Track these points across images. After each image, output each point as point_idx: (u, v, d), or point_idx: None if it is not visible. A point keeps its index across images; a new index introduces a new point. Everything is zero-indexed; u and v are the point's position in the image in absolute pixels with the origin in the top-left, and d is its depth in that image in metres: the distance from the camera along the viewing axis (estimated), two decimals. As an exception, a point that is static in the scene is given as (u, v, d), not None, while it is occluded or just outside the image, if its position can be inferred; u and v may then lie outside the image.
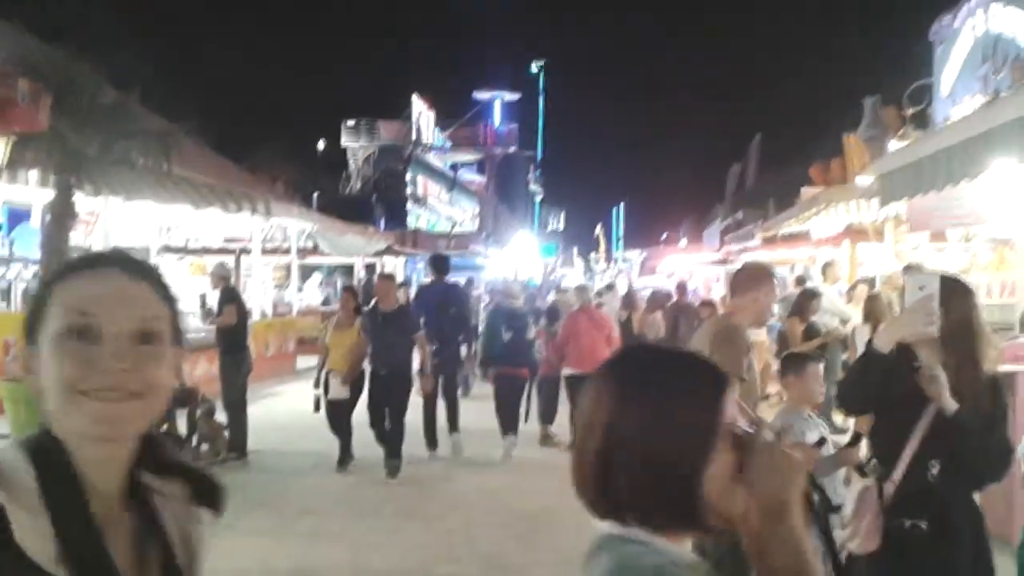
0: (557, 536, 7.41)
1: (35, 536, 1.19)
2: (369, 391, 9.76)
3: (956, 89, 15.05)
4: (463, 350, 12.69)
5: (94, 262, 1.34)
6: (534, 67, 68.92)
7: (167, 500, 1.37)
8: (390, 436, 9.60)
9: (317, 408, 9.98)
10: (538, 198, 71.65)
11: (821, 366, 4.76)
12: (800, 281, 17.01)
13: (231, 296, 10.29)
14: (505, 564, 6.75)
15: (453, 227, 47.83)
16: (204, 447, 10.11)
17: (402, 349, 9.73)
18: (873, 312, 10.41)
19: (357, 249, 21.51)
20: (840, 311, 12.50)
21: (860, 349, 10.02)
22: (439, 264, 11.62)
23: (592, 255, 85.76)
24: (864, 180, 15.81)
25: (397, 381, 9.58)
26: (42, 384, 1.27)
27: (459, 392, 11.57)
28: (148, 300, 1.32)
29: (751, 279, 4.55)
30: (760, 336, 16.71)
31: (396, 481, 9.42)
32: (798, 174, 25.49)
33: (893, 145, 10.23)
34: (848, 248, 16.27)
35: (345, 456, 9.78)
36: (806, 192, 18.50)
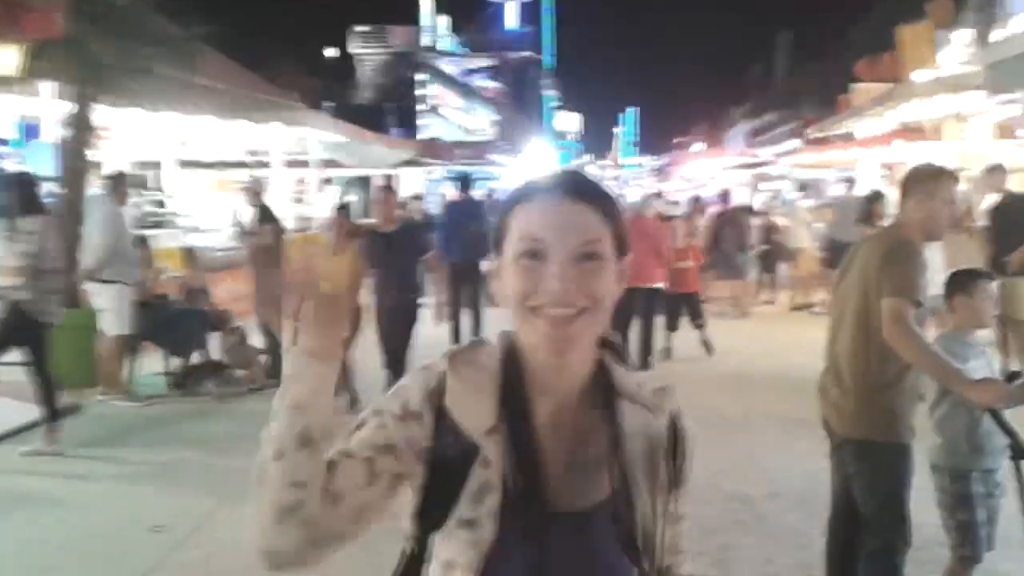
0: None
1: (472, 411, 1.42)
2: (379, 330, 8.25)
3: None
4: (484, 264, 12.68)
5: (544, 188, 1.43)
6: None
7: (636, 404, 1.47)
8: (395, 376, 8.09)
9: None
10: (554, 104, 69.87)
11: (994, 284, 4.11)
12: (849, 183, 16.28)
13: (267, 214, 9.61)
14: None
15: (472, 134, 46.68)
16: (239, 374, 9.60)
17: (409, 275, 8.25)
18: None
19: (380, 161, 20.74)
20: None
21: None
22: (465, 181, 12.61)
23: (601, 161, 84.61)
24: (923, 75, 14.99)
25: (403, 313, 8.11)
26: (505, 293, 1.42)
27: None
28: (589, 223, 1.40)
29: (918, 185, 3.86)
30: (804, 242, 16.09)
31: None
32: (835, 71, 24.56)
33: (996, 34, 9.31)
34: (900, 148, 15.47)
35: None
36: (861, 89, 17.51)
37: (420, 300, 8.44)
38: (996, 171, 9.88)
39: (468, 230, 11.12)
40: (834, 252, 15.79)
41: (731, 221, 15.66)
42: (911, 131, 14.72)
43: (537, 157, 48.56)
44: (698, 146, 62.27)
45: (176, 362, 9.71)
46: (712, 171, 35.10)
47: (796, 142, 23.01)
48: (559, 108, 73.17)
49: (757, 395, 9.33)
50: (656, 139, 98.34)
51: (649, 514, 1.46)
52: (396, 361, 8.05)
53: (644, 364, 10.59)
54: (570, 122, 78.71)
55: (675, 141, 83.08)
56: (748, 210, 17.43)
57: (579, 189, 1.42)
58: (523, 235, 1.39)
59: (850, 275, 3.95)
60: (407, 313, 8.14)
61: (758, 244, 16.42)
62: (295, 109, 12.28)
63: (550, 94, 67.24)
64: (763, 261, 16.64)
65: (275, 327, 8.95)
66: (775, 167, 27.74)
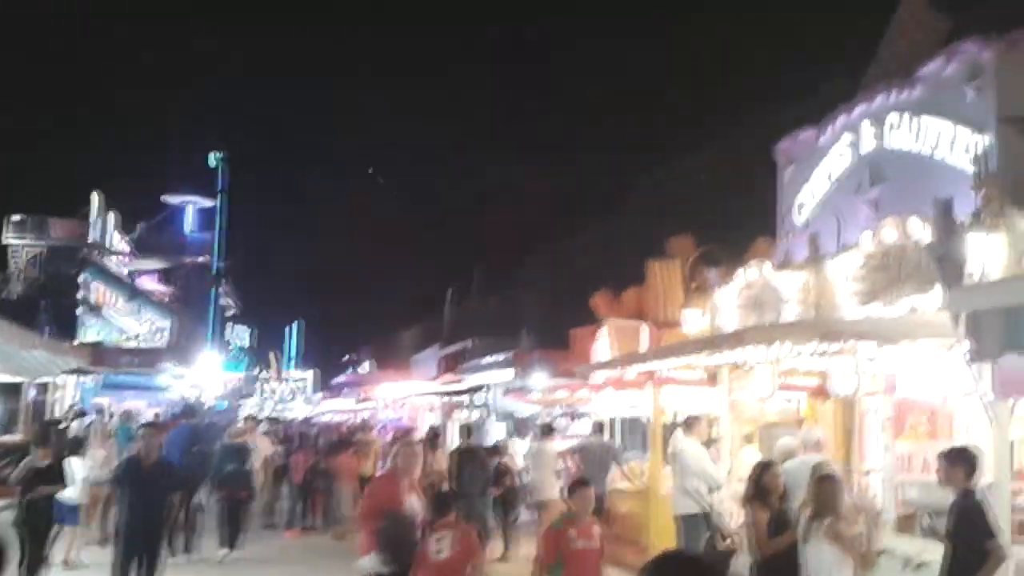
0: None
1: None
2: None
3: (820, 214, 13.70)
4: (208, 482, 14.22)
5: None
6: (212, 159, 55.11)
7: None
8: None
9: None
10: (229, 312, 65.65)
11: None
12: (598, 427, 14.92)
13: None
14: None
15: (137, 339, 42.49)
16: None
17: None
18: (821, 498, 7.35)
19: (42, 368, 16.96)
20: (709, 475, 10.32)
21: (807, 546, 7.17)
22: (190, 410, 16.39)
23: (262, 374, 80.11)
24: (693, 315, 14.14)
25: None
26: None
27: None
28: None
29: None
30: (551, 492, 14.26)
31: None
32: (553, 304, 24.20)
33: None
34: (652, 391, 14.23)
35: None
36: (619, 325, 16.45)
37: None
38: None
39: (191, 452, 13.42)
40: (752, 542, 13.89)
41: (472, 459, 13.67)
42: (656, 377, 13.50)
43: (208, 367, 44.88)
44: (367, 366, 60.94)
45: None
46: (405, 393, 33.40)
47: (509, 371, 21.86)
48: (233, 319, 69.19)
49: None
50: (322, 354, 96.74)
51: None
52: None
53: None
54: (242, 334, 74.52)
55: (346, 359, 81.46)
56: (493, 449, 15.53)
57: None
58: None
59: None
60: None
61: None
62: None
63: (225, 303, 63.21)
64: (501, 508, 14.60)
65: None
66: (476, 396, 26.65)
